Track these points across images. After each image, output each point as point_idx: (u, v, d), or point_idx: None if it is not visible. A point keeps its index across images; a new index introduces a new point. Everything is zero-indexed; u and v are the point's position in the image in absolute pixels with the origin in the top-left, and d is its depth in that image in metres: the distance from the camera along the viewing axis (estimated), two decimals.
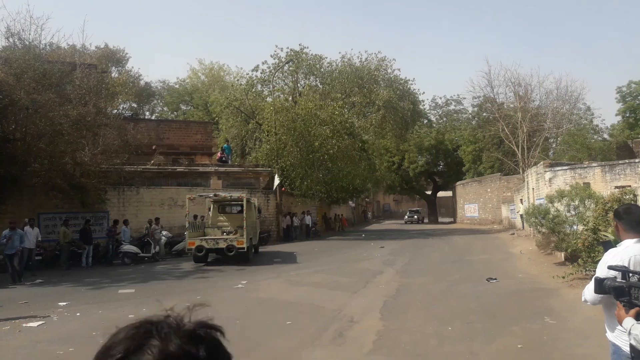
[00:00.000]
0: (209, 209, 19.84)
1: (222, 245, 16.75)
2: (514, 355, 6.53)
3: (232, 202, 19.86)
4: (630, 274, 2.81)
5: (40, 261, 16.73)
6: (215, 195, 19.63)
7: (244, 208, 17.92)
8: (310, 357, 6.60)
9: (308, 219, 30.77)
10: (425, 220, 54.14)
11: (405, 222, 51.33)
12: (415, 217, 52.15)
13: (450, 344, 7.13)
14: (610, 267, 3.00)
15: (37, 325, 8.51)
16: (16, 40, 19.91)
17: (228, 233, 18.06)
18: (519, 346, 6.86)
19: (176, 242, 20.69)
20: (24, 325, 8.53)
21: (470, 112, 48.93)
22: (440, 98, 56.79)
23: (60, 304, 10.38)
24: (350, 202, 48.26)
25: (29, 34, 20.39)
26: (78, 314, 9.48)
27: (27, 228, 15.10)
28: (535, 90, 39.01)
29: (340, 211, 42.71)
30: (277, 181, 26.97)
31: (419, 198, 60.94)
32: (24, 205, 18.02)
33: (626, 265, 2.97)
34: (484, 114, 43.77)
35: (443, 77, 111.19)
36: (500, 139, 39.30)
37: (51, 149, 17.64)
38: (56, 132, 17.65)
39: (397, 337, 7.51)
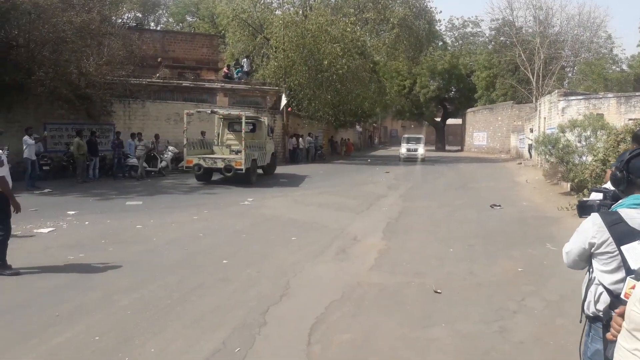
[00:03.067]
0: (218, 127, 19.53)
1: (220, 165, 16.32)
2: (513, 278, 6.64)
3: (246, 121, 19.42)
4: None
5: (47, 172, 16.84)
6: (212, 112, 19.15)
7: (242, 127, 17.21)
8: (313, 270, 6.75)
9: (306, 142, 29.93)
10: (430, 149, 52.57)
11: (402, 159, 31.49)
12: (418, 150, 31.83)
13: (451, 264, 7.25)
14: (594, 190, 2.87)
15: (48, 232, 8.69)
16: None
17: (237, 152, 17.57)
18: (519, 269, 6.97)
19: (182, 158, 20.68)
20: (35, 231, 8.71)
21: (487, 35, 47.29)
22: (458, 19, 54.69)
23: (69, 212, 10.55)
24: (357, 126, 47.86)
25: None
26: (87, 222, 9.66)
27: (25, 137, 14.76)
28: (557, 15, 37.87)
29: (347, 135, 42.43)
30: (284, 101, 26.54)
31: (427, 124, 60.03)
32: (30, 114, 17.88)
33: None
34: (502, 38, 42.33)
35: None
36: (516, 65, 38.24)
37: (55, 57, 17.21)
38: (60, 39, 17.13)
39: (399, 256, 7.64)
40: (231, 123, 19.00)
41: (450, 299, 5.71)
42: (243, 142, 16.57)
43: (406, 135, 35.38)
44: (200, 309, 5.22)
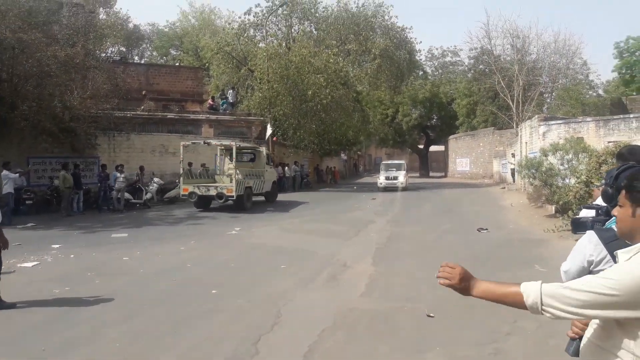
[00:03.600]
0: (220, 157, 20.33)
1: (213, 192, 17.20)
2: None
3: (244, 151, 20.53)
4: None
5: (30, 205, 16.60)
6: (205, 142, 20.05)
7: (233, 157, 18.09)
8: (305, 298, 6.68)
9: (291, 171, 29.77)
10: (414, 176, 53.09)
11: (380, 189, 28.16)
12: (398, 178, 28.35)
13: (442, 288, 6.98)
14: (585, 207, 2.90)
15: (32, 266, 8.52)
16: None
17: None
18: None
19: (168, 189, 20.63)
20: (19, 265, 8.53)
21: (466, 64, 48.30)
22: (437, 49, 55.80)
23: (53, 246, 10.38)
24: (342, 155, 48.17)
25: None
26: (72, 256, 9.49)
27: (4, 172, 14.35)
28: (533, 43, 38.42)
29: (332, 163, 42.66)
30: (269, 131, 26.69)
31: (410, 152, 60.67)
32: (14, 148, 17.68)
33: None
34: (481, 67, 43.22)
35: (440, 27, 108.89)
36: (495, 92, 38.99)
37: (39, 91, 17.18)
38: (44, 73, 17.15)
39: (389, 281, 7.62)
40: (237, 152, 19.31)
41: (443, 323, 5.69)
42: (234, 171, 17.48)
43: (385, 162, 32.00)
44: (191, 340, 5.13)
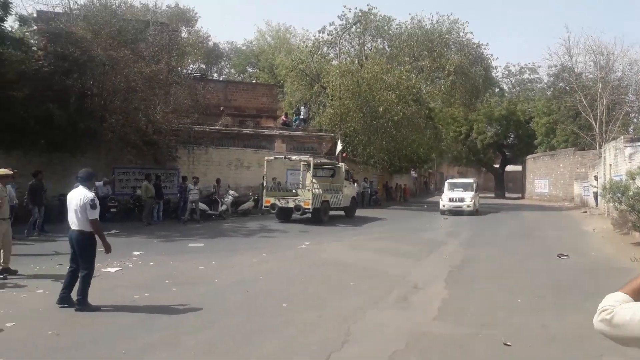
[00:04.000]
0: (303, 172, 21.21)
1: (292, 204, 18.36)
2: (588, 332, 6.21)
3: (324, 167, 21.66)
4: None
5: (114, 213, 17.61)
6: (285, 158, 21.24)
7: (310, 171, 19.34)
8: (376, 317, 6.59)
9: (360, 187, 29.42)
10: (489, 196, 51.30)
11: (443, 212, 24.15)
12: (465, 200, 24.26)
13: (520, 316, 6.90)
14: None
15: (115, 271, 9.00)
16: None
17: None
18: None
19: (242, 201, 21.22)
20: (103, 270, 9.03)
21: (545, 81, 46.46)
22: (514, 66, 54.00)
23: (134, 253, 10.92)
24: (412, 172, 47.53)
25: None
26: (151, 263, 9.95)
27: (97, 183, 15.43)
28: (618, 60, 36.35)
29: (402, 181, 42.16)
30: (339, 147, 26.86)
31: (485, 171, 58.77)
32: (102, 159, 18.92)
33: None
34: (561, 84, 41.41)
35: (518, 44, 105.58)
36: (577, 111, 37.16)
37: (125, 105, 18.35)
38: (130, 88, 18.31)
39: (463, 305, 7.36)
40: (316, 167, 20.22)
41: (522, 353, 5.40)
42: (311, 185, 18.59)
43: (451, 180, 27.68)
44: (264, 351, 5.19)
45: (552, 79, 43.49)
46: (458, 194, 24.42)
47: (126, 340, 5.41)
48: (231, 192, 20.81)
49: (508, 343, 5.62)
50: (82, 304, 6.47)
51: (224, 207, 19.85)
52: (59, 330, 5.68)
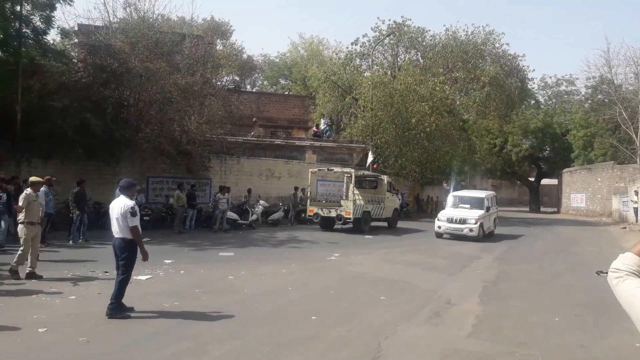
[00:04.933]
0: (346, 184, 21.31)
1: (333, 214, 19.15)
2: (630, 354, 5.91)
3: (367, 178, 22.16)
4: None
5: (147, 221, 17.82)
6: (328, 170, 21.74)
7: (352, 182, 19.71)
8: (407, 333, 6.41)
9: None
10: (523, 210, 49.82)
11: (439, 236, 18.68)
12: (466, 222, 18.11)
13: (558, 334, 6.62)
14: None
15: (146, 279, 9.06)
16: (132, 10, 21.08)
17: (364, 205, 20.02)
18: (637, 345, 6.20)
19: (272, 211, 21.25)
20: (134, 277, 9.06)
21: (583, 93, 45.28)
22: (551, 77, 52.86)
23: (165, 261, 10.99)
24: (444, 184, 46.83)
25: (144, 5, 21.54)
26: (182, 271, 9.99)
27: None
28: None
29: (433, 193, 41.56)
30: (370, 158, 26.70)
31: (520, 184, 57.42)
32: (136, 168, 19.28)
33: None
34: (599, 96, 40.26)
35: (555, 55, 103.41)
36: (616, 124, 36.03)
37: (161, 115, 18.68)
38: (166, 99, 18.64)
39: (498, 323, 7.11)
40: (357, 180, 20.47)
41: None
42: (353, 195, 19.13)
43: (456, 193, 21.51)
44: None
45: (590, 90, 42.36)
46: (460, 212, 18.55)
47: (154, 349, 5.40)
48: (261, 202, 20.88)
49: None
50: (115, 310, 6.56)
51: (254, 217, 19.91)
52: (89, 337, 5.72)
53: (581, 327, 7.04)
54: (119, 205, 6.73)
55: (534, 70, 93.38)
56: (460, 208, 18.98)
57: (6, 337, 5.61)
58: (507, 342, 6.21)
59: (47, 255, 11.07)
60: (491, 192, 22.00)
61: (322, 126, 31.05)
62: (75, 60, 20.07)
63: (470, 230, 17.66)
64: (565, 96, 49.68)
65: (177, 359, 5.15)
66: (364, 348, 5.72)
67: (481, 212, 18.50)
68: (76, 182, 14.63)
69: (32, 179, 9.55)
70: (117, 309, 6.56)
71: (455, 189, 26.56)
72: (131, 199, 6.87)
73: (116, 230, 6.71)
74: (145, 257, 6.81)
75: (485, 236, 18.72)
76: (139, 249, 6.76)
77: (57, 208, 14.76)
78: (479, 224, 17.80)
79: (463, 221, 17.92)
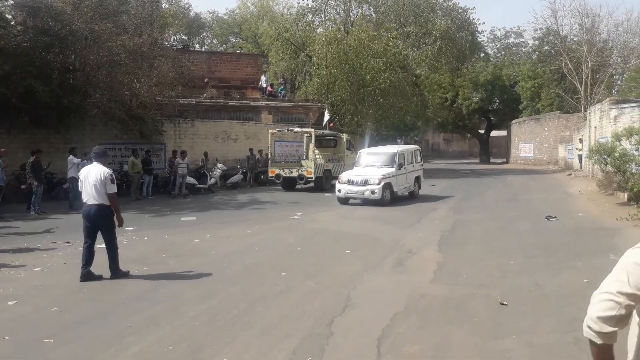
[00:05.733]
0: (306, 143, 21.17)
1: (295, 174, 19.67)
2: (580, 289, 6.41)
3: (326, 137, 22.32)
4: None
5: None
6: (288, 130, 21.59)
7: (312, 142, 19.80)
8: (373, 283, 6.72)
9: None
10: (474, 162, 51.37)
11: (340, 202, 15.81)
12: (368, 183, 15.22)
13: (513, 276, 7.09)
14: None
15: None
16: None
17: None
18: (585, 280, 6.73)
19: (230, 174, 21.17)
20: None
21: (530, 45, 46.37)
22: (499, 30, 53.79)
23: (127, 228, 10.81)
24: (398, 140, 47.62)
25: None
26: (146, 237, 9.96)
27: (69, 157, 14.99)
28: (604, 22, 36.34)
29: None
30: (327, 117, 26.72)
31: (470, 137, 59.00)
32: (86, 134, 18.67)
33: None
34: (546, 48, 41.39)
35: (503, 8, 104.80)
36: (562, 74, 37.27)
37: (109, 79, 17.99)
38: (114, 62, 17.93)
39: (458, 268, 7.52)
40: (316, 139, 20.69)
41: (518, 311, 5.57)
42: (314, 155, 19.58)
43: (368, 150, 18.30)
44: (267, 319, 5.29)
45: (537, 42, 43.41)
46: (363, 172, 15.74)
47: (130, 314, 5.47)
48: (219, 165, 20.73)
49: (504, 302, 5.78)
50: (117, 272, 6.81)
51: (212, 181, 19.80)
52: (61, 307, 5.71)
53: (534, 268, 7.54)
54: (97, 172, 6.69)
55: (483, 23, 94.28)
56: (368, 167, 16.04)
57: None
58: (467, 284, 6.61)
59: (4, 229, 10.78)
60: (410, 147, 19.41)
61: (263, 83, 30.64)
62: (13, 24, 18.89)
63: (372, 192, 14.91)
64: (514, 48, 50.72)
65: (154, 321, 5.24)
66: (334, 298, 5.97)
67: (390, 170, 15.61)
68: (31, 151, 14.23)
69: None
70: (119, 270, 6.89)
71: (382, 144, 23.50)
72: (105, 166, 6.87)
73: (93, 196, 6.67)
74: (120, 223, 6.93)
75: (399, 198, 16.12)
76: (116, 215, 6.89)
77: (7, 180, 14.23)
78: (382, 184, 14.88)
79: (365, 182, 15.13)
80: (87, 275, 6.73)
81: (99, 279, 6.76)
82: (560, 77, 38.48)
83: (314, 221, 12.32)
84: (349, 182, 15.43)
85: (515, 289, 6.39)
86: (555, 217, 12.40)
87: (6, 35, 17.28)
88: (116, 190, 6.81)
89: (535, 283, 6.65)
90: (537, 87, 41.92)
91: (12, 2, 18.74)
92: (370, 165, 16.08)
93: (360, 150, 18.36)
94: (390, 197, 15.30)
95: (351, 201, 15.75)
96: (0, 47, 16.71)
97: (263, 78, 30.97)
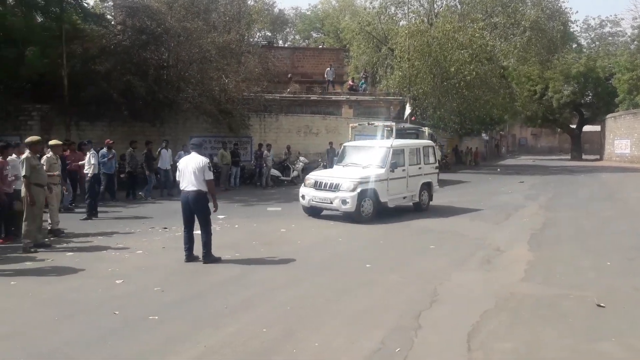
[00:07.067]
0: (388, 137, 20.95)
1: None
2: None
3: (408, 131, 20.78)
4: None
5: None
6: (369, 124, 20.45)
7: (393, 136, 18.63)
8: (461, 279, 6.63)
9: None
10: (565, 158, 48.61)
11: (306, 208, 11.80)
12: (339, 188, 10.98)
13: (610, 277, 6.73)
14: None
15: None
16: None
17: None
18: None
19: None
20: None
21: (629, 34, 43.09)
22: (594, 19, 50.43)
23: (219, 217, 11.33)
24: (483, 135, 46.04)
25: None
26: (236, 225, 10.45)
27: (162, 150, 16.16)
28: None
29: (472, 144, 40.98)
30: (408, 110, 26.32)
31: (561, 132, 55.82)
32: (179, 128, 19.75)
33: None
34: None
35: None
36: None
37: (200, 75, 18.89)
38: (204, 58, 18.82)
39: (550, 267, 7.24)
40: (398, 133, 19.83)
41: (616, 314, 5.30)
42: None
43: (349, 144, 13.75)
44: (354, 308, 5.40)
45: (637, 31, 40.27)
46: (340, 174, 11.63)
47: (225, 295, 5.80)
48: (302, 158, 21.17)
49: (601, 304, 5.52)
50: (209, 257, 7.24)
51: (295, 173, 20.27)
52: (163, 287, 6.15)
53: (633, 271, 7.12)
54: (196, 160, 7.23)
55: (577, 12, 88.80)
56: (350, 166, 12.10)
57: (88, 288, 6.11)
58: (560, 285, 6.36)
59: (107, 214, 11.74)
60: (416, 142, 14.75)
61: (327, 76, 30.54)
62: (113, 23, 20.33)
63: (344, 201, 10.75)
64: (610, 38, 47.39)
65: (247, 304, 5.52)
66: (421, 292, 5.97)
67: (377, 171, 11.50)
68: (145, 142, 16.04)
69: (52, 142, 9.55)
70: (211, 255, 7.29)
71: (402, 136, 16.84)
72: (203, 155, 7.42)
73: (191, 183, 7.19)
74: (216, 208, 7.51)
75: (398, 211, 12.10)
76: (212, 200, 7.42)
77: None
78: (358, 191, 10.76)
79: (335, 187, 11.05)
80: (190, 257, 7.32)
81: (197, 259, 7.29)
82: None
83: (395, 217, 12.20)
84: (316, 186, 11.42)
85: (613, 291, 6.07)
86: None
87: (108, 34, 18.69)
88: (213, 177, 7.33)
89: (635, 286, 6.27)
90: (636, 80, 38.85)
91: (112, 3, 20.17)
92: (354, 164, 12.07)
93: (344, 144, 13.97)
94: (372, 210, 11.12)
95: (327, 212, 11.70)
96: (102, 46, 18.13)
97: (328, 70, 30.94)
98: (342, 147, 13.65)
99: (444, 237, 9.55)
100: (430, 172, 13.33)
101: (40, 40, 16.82)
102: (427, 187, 13.04)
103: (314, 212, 11.68)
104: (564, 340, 4.61)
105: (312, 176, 11.93)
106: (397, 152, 12.16)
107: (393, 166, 11.67)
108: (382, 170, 11.52)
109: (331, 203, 11.00)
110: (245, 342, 4.51)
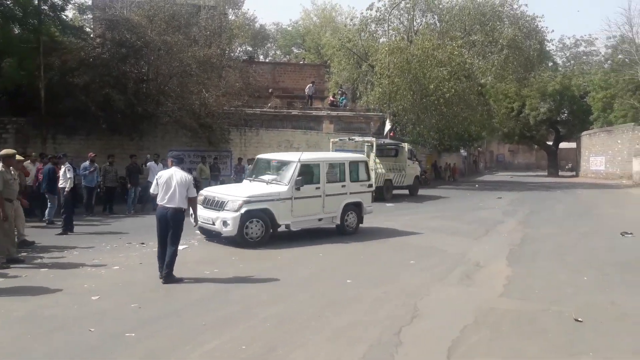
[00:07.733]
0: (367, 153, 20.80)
1: None
2: None
3: (387, 147, 22.26)
4: None
5: None
6: (349, 139, 21.59)
7: (373, 151, 19.50)
8: (441, 294, 6.65)
9: None
10: (542, 175, 49.44)
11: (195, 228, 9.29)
12: (224, 206, 9.73)
13: (587, 293, 6.82)
14: None
15: (182, 248, 9.26)
16: None
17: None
18: None
19: None
20: None
21: (602, 54, 44.34)
22: (569, 38, 51.81)
23: (197, 231, 11.25)
24: (461, 151, 46.62)
25: None
26: (215, 241, 10.30)
27: (151, 164, 15.98)
28: None
29: (450, 160, 41.45)
30: (388, 126, 26.62)
31: (537, 148, 56.85)
32: (158, 141, 19.52)
33: None
34: (619, 56, 39.44)
35: (574, 15, 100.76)
36: (637, 84, 35.37)
37: (180, 89, 18.79)
38: (185, 72, 18.73)
39: (529, 282, 7.31)
40: (378, 149, 20.59)
41: (594, 329, 5.37)
42: (375, 164, 18.93)
43: (261, 156, 12.17)
44: (336, 324, 5.37)
45: (610, 50, 41.45)
46: (233, 190, 10.59)
47: (204, 313, 5.70)
48: None
49: (579, 319, 5.58)
50: (170, 277, 6.94)
51: None
52: (140, 303, 6.02)
53: (610, 286, 7.21)
54: (180, 176, 7.07)
55: (552, 31, 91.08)
56: (256, 182, 10.92)
57: (64, 305, 5.94)
58: (539, 300, 6.42)
59: (83, 229, 11.49)
60: (340, 155, 14.29)
61: (307, 91, 30.64)
62: (93, 36, 20.15)
63: (224, 223, 9.55)
64: (584, 57, 48.68)
65: (226, 321, 5.44)
66: (401, 308, 5.97)
67: (277, 189, 10.23)
68: (129, 156, 15.95)
69: (3, 152, 8.19)
70: (172, 275, 6.96)
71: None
72: (184, 171, 7.37)
73: (173, 199, 6.97)
74: (197, 222, 7.76)
75: (314, 233, 11.03)
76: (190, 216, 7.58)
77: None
78: (242, 211, 9.47)
79: (220, 205, 9.86)
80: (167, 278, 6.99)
81: (178, 281, 7.00)
82: (635, 87, 36.50)
83: (377, 230, 12.22)
84: (205, 203, 10.09)
85: (591, 306, 6.14)
86: (631, 234, 11.76)
87: (86, 47, 18.51)
88: (196, 195, 7.42)
89: (612, 301, 6.36)
90: (610, 98, 39.88)
91: (91, 16, 20.02)
92: (260, 180, 10.83)
93: (257, 156, 12.55)
94: (264, 234, 9.73)
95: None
96: (81, 59, 17.93)
97: (310, 86, 31.08)
98: (255, 160, 12.47)
99: (423, 251, 9.57)
100: (359, 191, 11.60)
101: (17, 52, 16.58)
102: (354, 207, 11.43)
103: (206, 232, 10.34)
104: (544, 354, 4.64)
105: (204, 192, 10.69)
106: (309, 168, 10.70)
107: (299, 183, 10.15)
108: (285, 188, 10.13)
109: (213, 223, 9.71)
110: None
